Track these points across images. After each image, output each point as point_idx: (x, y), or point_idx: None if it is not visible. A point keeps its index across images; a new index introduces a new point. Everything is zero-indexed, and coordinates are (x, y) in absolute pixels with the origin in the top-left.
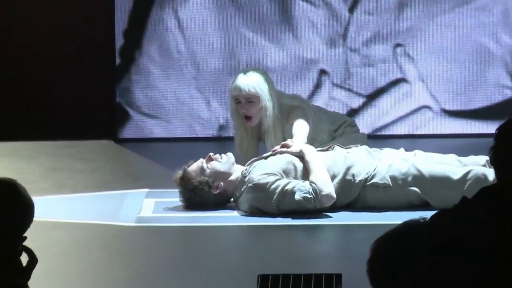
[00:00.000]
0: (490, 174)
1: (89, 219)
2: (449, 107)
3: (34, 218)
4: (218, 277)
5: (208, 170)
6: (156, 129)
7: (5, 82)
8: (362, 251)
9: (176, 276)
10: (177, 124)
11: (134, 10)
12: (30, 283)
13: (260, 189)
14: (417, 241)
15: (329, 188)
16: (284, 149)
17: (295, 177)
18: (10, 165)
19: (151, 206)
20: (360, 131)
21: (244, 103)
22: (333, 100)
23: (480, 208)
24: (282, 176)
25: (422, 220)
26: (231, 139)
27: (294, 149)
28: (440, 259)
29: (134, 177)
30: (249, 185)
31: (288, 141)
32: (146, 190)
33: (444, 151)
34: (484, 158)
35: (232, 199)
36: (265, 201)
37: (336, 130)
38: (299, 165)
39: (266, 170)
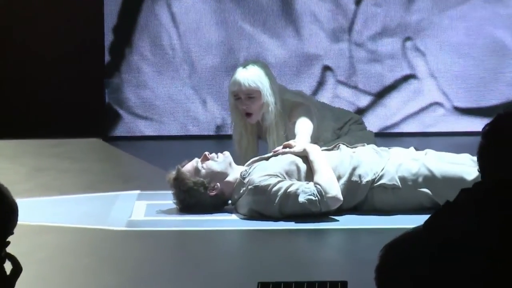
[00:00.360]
0: None
1: (76, 223)
2: (462, 104)
3: (18, 222)
4: (215, 285)
5: (203, 170)
6: (148, 130)
7: None
8: (369, 257)
9: (170, 284)
10: (171, 126)
11: (124, 4)
12: None
13: (261, 191)
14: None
15: (335, 189)
16: (287, 150)
17: (299, 179)
18: None
19: (142, 209)
20: (367, 129)
21: (244, 99)
22: (338, 98)
23: (475, 207)
24: (285, 178)
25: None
26: (228, 137)
27: (297, 149)
28: (437, 262)
29: (124, 178)
30: (249, 187)
31: (291, 141)
32: (138, 191)
33: (457, 150)
34: None
35: (230, 202)
36: (266, 204)
37: (341, 128)
38: (303, 166)
39: (267, 171)
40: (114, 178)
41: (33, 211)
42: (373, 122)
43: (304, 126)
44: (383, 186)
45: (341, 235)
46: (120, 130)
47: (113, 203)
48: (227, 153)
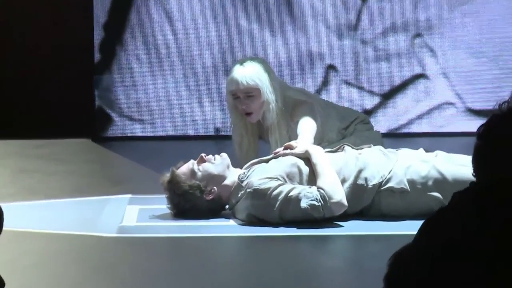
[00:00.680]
0: None
1: (63, 229)
2: (475, 105)
3: (2, 228)
4: None
5: (199, 173)
6: (140, 132)
7: None
8: (377, 265)
9: None
10: (165, 129)
11: None
12: None
13: (261, 195)
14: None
15: (339, 194)
16: (288, 151)
17: (300, 182)
18: None
19: (134, 214)
20: (374, 129)
21: (243, 98)
22: (343, 99)
23: (476, 207)
24: (286, 181)
25: None
26: (226, 138)
27: (298, 150)
28: (440, 265)
29: (115, 181)
30: (248, 190)
31: (292, 142)
32: (129, 195)
33: (469, 151)
34: None
35: (227, 206)
36: (266, 209)
37: (346, 127)
38: (305, 169)
39: (267, 174)
40: (104, 181)
41: (17, 216)
42: (381, 123)
43: (307, 126)
44: (391, 189)
45: (346, 242)
46: (110, 130)
47: (103, 208)
48: (224, 155)
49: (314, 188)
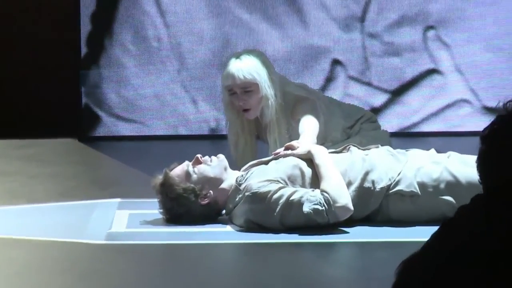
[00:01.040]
0: None
1: (48, 236)
2: (491, 103)
3: None
4: None
5: (195, 175)
6: (130, 131)
7: None
8: (384, 274)
9: None
10: (157, 128)
11: None
12: None
13: (260, 199)
14: None
15: (344, 198)
16: (289, 152)
17: (303, 185)
18: None
19: (124, 220)
20: (381, 128)
21: (240, 93)
22: (349, 96)
23: (482, 214)
24: (287, 184)
25: None
26: (223, 137)
27: (300, 150)
28: (448, 273)
29: (103, 184)
30: (246, 194)
31: (294, 142)
32: (119, 200)
33: None
34: None
35: (224, 211)
36: (265, 213)
37: (351, 126)
38: (307, 170)
39: (266, 176)
40: (92, 184)
41: None
42: (390, 122)
43: (309, 125)
44: (400, 193)
45: (351, 250)
46: (98, 130)
47: (90, 213)
48: (221, 157)
49: (317, 191)
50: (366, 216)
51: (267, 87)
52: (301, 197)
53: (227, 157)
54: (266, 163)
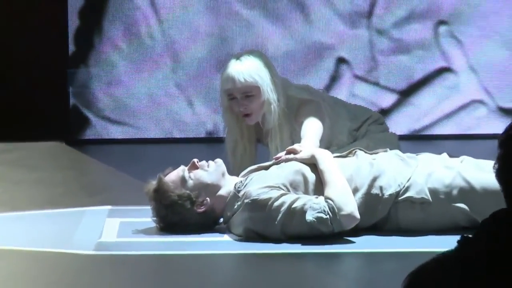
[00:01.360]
0: None
1: (34, 246)
2: (507, 104)
3: None
4: None
5: (191, 181)
6: (120, 135)
7: None
8: (392, 287)
9: None
10: (150, 131)
11: None
12: None
13: (260, 206)
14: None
15: (350, 205)
16: (291, 156)
17: (306, 192)
18: None
19: (115, 229)
20: (389, 130)
21: (240, 98)
22: (356, 97)
23: (504, 227)
24: (289, 190)
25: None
26: (220, 141)
27: (303, 155)
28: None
29: (92, 190)
30: (245, 201)
31: (296, 146)
32: (109, 207)
33: None
34: None
35: (221, 220)
36: (266, 222)
37: (358, 128)
38: (311, 176)
39: (267, 182)
40: (80, 191)
41: None
42: (399, 124)
43: (312, 127)
44: (410, 200)
45: (357, 260)
46: (87, 132)
47: (78, 221)
48: (219, 161)
49: (321, 198)
50: (373, 225)
51: (269, 91)
52: (304, 204)
53: (225, 162)
54: (267, 168)
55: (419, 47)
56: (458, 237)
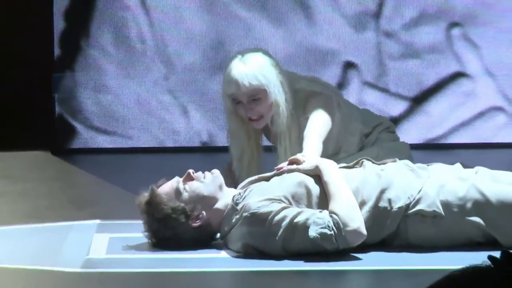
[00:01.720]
0: None
1: (17, 263)
2: None
3: None
4: None
5: (186, 193)
6: (109, 143)
7: None
8: None
9: None
10: (140, 140)
11: None
12: None
13: (260, 221)
14: None
15: (357, 220)
16: (294, 166)
17: (309, 205)
18: None
19: (104, 244)
20: (400, 139)
21: (247, 102)
22: (364, 105)
23: None
24: (291, 204)
25: (486, 266)
26: (216, 150)
27: (307, 165)
28: None
29: (80, 203)
30: (244, 215)
31: (299, 156)
32: (97, 221)
33: None
34: None
35: (218, 235)
36: (266, 237)
37: (369, 134)
38: (315, 188)
39: (268, 195)
40: (67, 204)
41: None
42: (411, 134)
43: (317, 125)
44: (421, 213)
45: (365, 279)
46: (74, 141)
47: (65, 237)
48: (216, 172)
49: (325, 213)
50: (381, 240)
51: (276, 92)
52: (307, 219)
53: (222, 173)
54: (267, 179)
55: (431, 51)
56: (471, 253)
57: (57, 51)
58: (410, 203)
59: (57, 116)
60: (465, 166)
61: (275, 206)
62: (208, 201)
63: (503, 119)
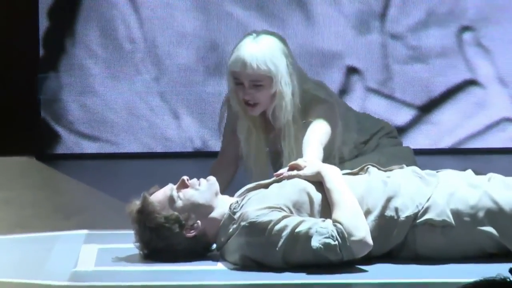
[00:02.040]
0: None
1: (1, 276)
2: None
3: None
4: None
5: (180, 201)
6: (97, 149)
7: None
8: None
9: None
10: (129, 146)
11: None
12: None
13: (259, 230)
14: None
15: (362, 230)
16: (294, 172)
17: (311, 214)
18: None
19: (92, 256)
20: (403, 144)
21: (248, 86)
22: (368, 112)
23: None
24: (292, 212)
25: (500, 279)
26: (210, 156)
27: (308, 171)
28: None
29: (67, 212)
30: (242, 224)
31: (300, 161)
32: (85, 231)
33: None
34: None
35: (214, 246)
36: (265, 248)
37: (366, 141)
38: (317, 196)
39: (267, 203)
40: (53, 212)
41: None
42: (417, 144)
43: (318, 132)
44: (430, 223)
45: None
46: (60, 146)
47: (51, 247)
48: (212, 179)
49: (329, 222)
50: (388, 251)
51: (282, 84)
52: (309, 228)
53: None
54: (266, 186)
55: (439, 56)
56: (484, 265)
57: (40, 52)
58: (419, 212)
59: (41, 120)
60: (477, 172)
61: (275, 215)
62: (203, 209)
63: None
